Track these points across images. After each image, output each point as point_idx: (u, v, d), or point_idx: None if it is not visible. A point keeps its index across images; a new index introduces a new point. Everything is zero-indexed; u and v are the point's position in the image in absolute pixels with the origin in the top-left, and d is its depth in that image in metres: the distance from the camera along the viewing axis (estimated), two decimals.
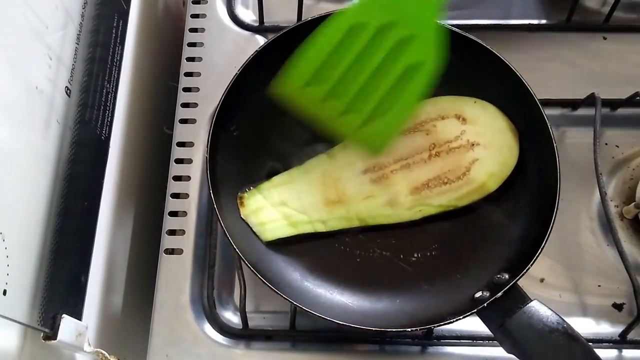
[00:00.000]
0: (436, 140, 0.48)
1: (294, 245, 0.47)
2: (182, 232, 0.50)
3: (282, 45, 0.45)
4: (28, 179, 0.39)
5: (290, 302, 0.42)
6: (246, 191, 0.48)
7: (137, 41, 0.56)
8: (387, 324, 0.42)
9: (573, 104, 0.53)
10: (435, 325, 0.41)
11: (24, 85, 0.39)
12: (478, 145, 0.47)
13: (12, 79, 0.38)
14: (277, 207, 0.47)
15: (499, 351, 0.46)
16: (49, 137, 0.42)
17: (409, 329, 0.43)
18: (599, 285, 0.48)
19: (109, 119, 0.50)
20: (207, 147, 0.45)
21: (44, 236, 0.40)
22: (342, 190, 0.47)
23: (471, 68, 0.48)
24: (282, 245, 0.47)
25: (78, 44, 0.46)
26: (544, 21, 0.57)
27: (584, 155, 0.50)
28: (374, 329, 0.42)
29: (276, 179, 0.48)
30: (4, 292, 0.35)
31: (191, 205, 0.51)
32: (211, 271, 0.49)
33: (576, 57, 0.55)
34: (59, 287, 0.41)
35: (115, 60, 0.51)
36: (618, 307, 0.48)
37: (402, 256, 0.47)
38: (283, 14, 0.58)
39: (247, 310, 0.46)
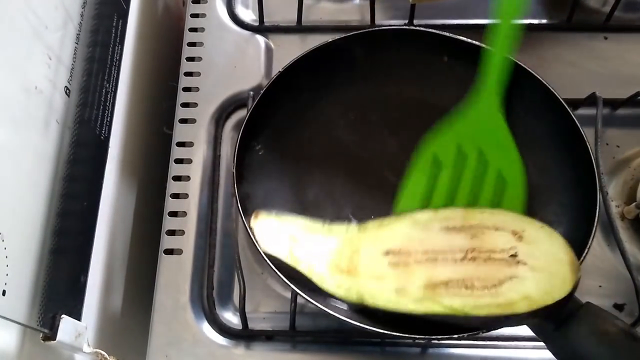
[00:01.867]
0: (478, 247, 0.43)
1: None
2: (182, 232, 0.50)
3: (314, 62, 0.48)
4: (28, 179, 0.39)
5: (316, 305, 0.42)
6: (267, 213, 0.47)
7: (137, 41, 0.56)
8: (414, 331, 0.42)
9: (574, 104, 0.53)
10: (468, 334, 0.40)
11: (23, 85, 0.39)
12: (524, 265, 0.41)
13: (11, 78, 0.38)
14: (287, 238, 0.46)
15: (499, 351, 0.46)
16: (49, 137, 0.41)
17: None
18: (600, 286, 0.48)
19: (108, 119, 0.49)
20: (234, 161, 0.45)
21: (44, 236, 0.40)
22: (355, 263, 0.45)
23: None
24: None
25: (77, 44, 0.46)
26: (544, 21, 0.57)
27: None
28: (399, 335, 0.41)
29: (300, 219, 0.47)
30: (3, 293, 0.35)
31: (191, 206, 0.51)
32: (211, 271, 0.49)
33: (577, 57, 0.55)
34: (59, 287, 0.41)
35: (114, 60, 0.51)
36: (619, 307, 0.48)
37: None
38: (283, 14, 0.58)
39: (246, 310, 0.46)
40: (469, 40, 0.48)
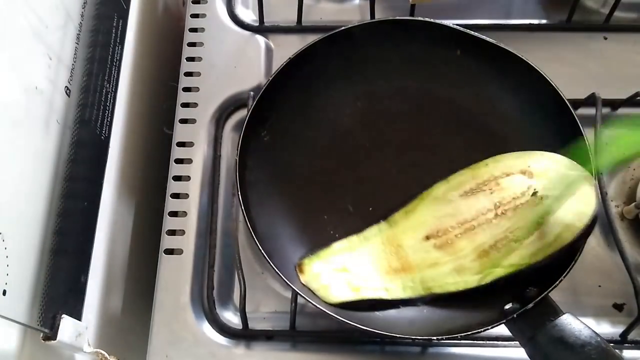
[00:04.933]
0: (501, 199, 0.45)
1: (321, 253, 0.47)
2: (182, 232, 0.50)
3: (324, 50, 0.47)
4: (28, 179, 0.39)
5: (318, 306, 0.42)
6: (306, 258, 0.46)
7: (137, 41, 0.56)
8: (413, 332, 0.42)
9: (573, 104, 0.53)
10: (463, 334, 0.41)
11: (23, 85, 0.39)
12: (548, 198, 0.44)
13: (11, 78, 0.38)
14: (338, 272, 0.46)
15: (499, 351, 0.46)
16: (49, 137, 0.41)
17: (435, 338, 0.42)
18: (599, 286, 0.48)
19: (108, 119, 0.49)
20: (238, 149, 0.45)
21: (44, 236, 0.40)
22: (404, 257, 0.46)
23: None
24: (309, 252, 0.47)
25: (78, 44, 0.46)
26: (544, 21, 0.57)
27: None
28: (399, 335, 0.41)
29: (335, 245, 0.47)
30: (4, 292, 0.35)
31: (191, 206, 0.51)
32: (211, 271, 0.49)
33: (576, 57, 0.55)
34: (59, 287, 0.41)
35: (115, 60, 0.51)
36: (618, 307, 0.48)
37: None
38: (283, 14, 0.58)
39: (247, 310, 0.46)
40: (484, 37, 0.48)
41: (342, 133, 0.51)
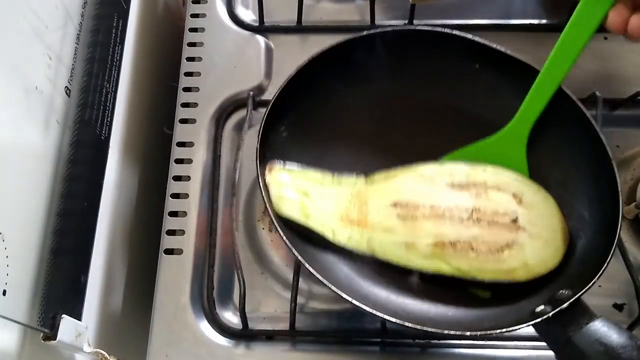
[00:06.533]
0: (482, 207, 0.45)
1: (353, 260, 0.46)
2: (182, 232, 0.50)
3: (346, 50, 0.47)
4: (28, 179, 0.39)
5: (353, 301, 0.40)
6: (280, 165, 0.47)
7: (137, 41, 0.56)
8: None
9: None
10: (492, 332, 0.40)
11: (23, 85, 0.39)
12: (524, 232, 0.44)
13: (12, 78, 0.38)
14: (299, 193, 0.46)
15: (499, 351, 0.46)
16: (49, 137, 0.41)
17: (468, 333, 0.40)
18: (600, 286, 0.48)
19: (108, 119, 0.49)
20: (258, 142, 0.44)
21: (44, 236, 0.40)
22: (364, 214, 0.46)
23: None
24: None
25: (78, 44, 0.46)
26: (544, 21, 0.57)
27: None
28: (430, 329, 0.40)
29: (311, 173, 0.48)
30: (4, 292, 0.35)
31: (191, 206, 0.51)
32: (211, 271, 0.49)
33: None
34: (59, 287, 0.41)
35: (115, 60, 0.51)
36: (619, 307, 0.48)
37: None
38: (283, 14, 0.58)
39: (246, 310, 0.46)
40: (504, 50, 0.47)
41: (358, 139, 0.51)
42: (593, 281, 0.40)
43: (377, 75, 0.51)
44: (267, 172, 0.46)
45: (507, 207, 0.45)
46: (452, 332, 0.40)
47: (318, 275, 0.41)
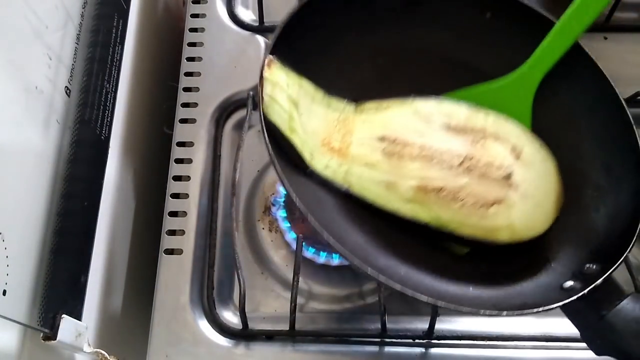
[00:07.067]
0: (476, 156, 0.41)
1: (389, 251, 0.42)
2: (182, 232, 0.50)
3: None
4: (28, 179, 0.39)
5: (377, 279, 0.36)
6: (280, 61, 0.41)
7: (137, 41, 0.56)
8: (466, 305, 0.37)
9: None
10: (524, 312, 0.36)
11: (23, 85, 0.39)
12: (516, 190, 0.41)
13: (11, 78, 0.38)
14: (289, 101, 0.41)
15: (499, 351, 0.46)
16: (49, 137, 0.41)
17: (505, 312, 0.36)
18: None
19: (108, 119, 0.49)
20: (261, 86, 0.39)
21: (44, 236, 0.40)
22: (346, 144, 0.42)
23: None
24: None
25: (78, 44, 0.46)
26: None
27: None
28: (465, 308, 0.36)
29: (305, 82, 0.43)
30: (4, 292, 0.35)
31: (191, 206, 0.51)
32: (211, 271, 0.49)
33: None
34: (59, 287, 0.41)
35: (115, 60, 0.51)
36: None
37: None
38: (283, 14, 0.58)
39: (246, 310, 0.46)
40: None
41: (358, 86, 0.46)
42: (625, 253, 0.37)
43: (382, 23, 0.47)
44: (265, 66, 0.40)
45: (503, 161, 0.41)
46: (487, 311, 0.36)
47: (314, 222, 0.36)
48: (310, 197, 0.41)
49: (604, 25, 0.56)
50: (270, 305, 0.49)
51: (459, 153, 0.41)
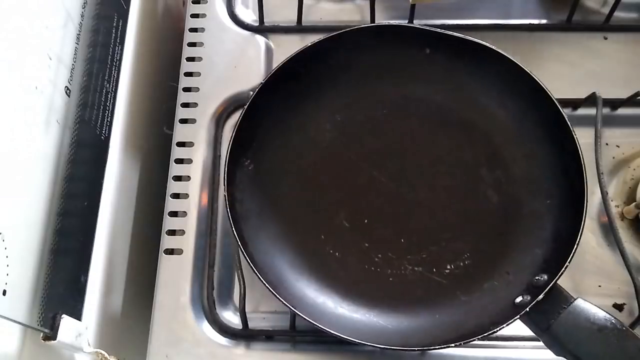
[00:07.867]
0: None
1: (323, 274, 0.47)
2: (182, 232, 0.50)
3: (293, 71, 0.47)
4: (28, 179, 0.39)
5: (334, 333, 0.41)
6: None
7: (137, 41, 0.56)
8: (430, 342, 0.41)
9: (574, 104, 0.53)
10: (480, 336, 0.40)
11: (23, 85, 0.39)
12: None
13: (11, 79, 0.38)
14: None
15: (499, 351, 0.46)
16: (49, 137, 0.41)
17: (453, 344, 0.41)
18: (600, 286, 0.48)
19: (108, 119, 0.49)
20: (224, 184, 0.44)
21: (44, 236, 0.40)
22: None
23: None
24: (312, 275, 0.47)
25: (78, 44, 0.46)
26: (544, 21, 0.57)
27: (585, 155, 0.50)
28: (417, 349, 0.41)
29: None
30: (4, 292, 0.35)
31: (191, 206, 0.51)
32: (211, 271, 0.49)
33: (577, 57, 0.55)
34: (59, 287, 0.41)
35: (115, 60, 0.51)
36: (619, 307, 0.48)
37: (434, 269, 0.46)
38: (283, 14, 0.58)
39: (247, 310, 0.46)
40: (450, 33, 0.48)
41: (325, 149, 0.50)
42: (565, 265, 0.40)
43: (330, 84, 0.51)
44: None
45: None
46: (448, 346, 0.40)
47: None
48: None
49: (604, 25, 0.56)
50: (270, 305, 0.49)
51: None
